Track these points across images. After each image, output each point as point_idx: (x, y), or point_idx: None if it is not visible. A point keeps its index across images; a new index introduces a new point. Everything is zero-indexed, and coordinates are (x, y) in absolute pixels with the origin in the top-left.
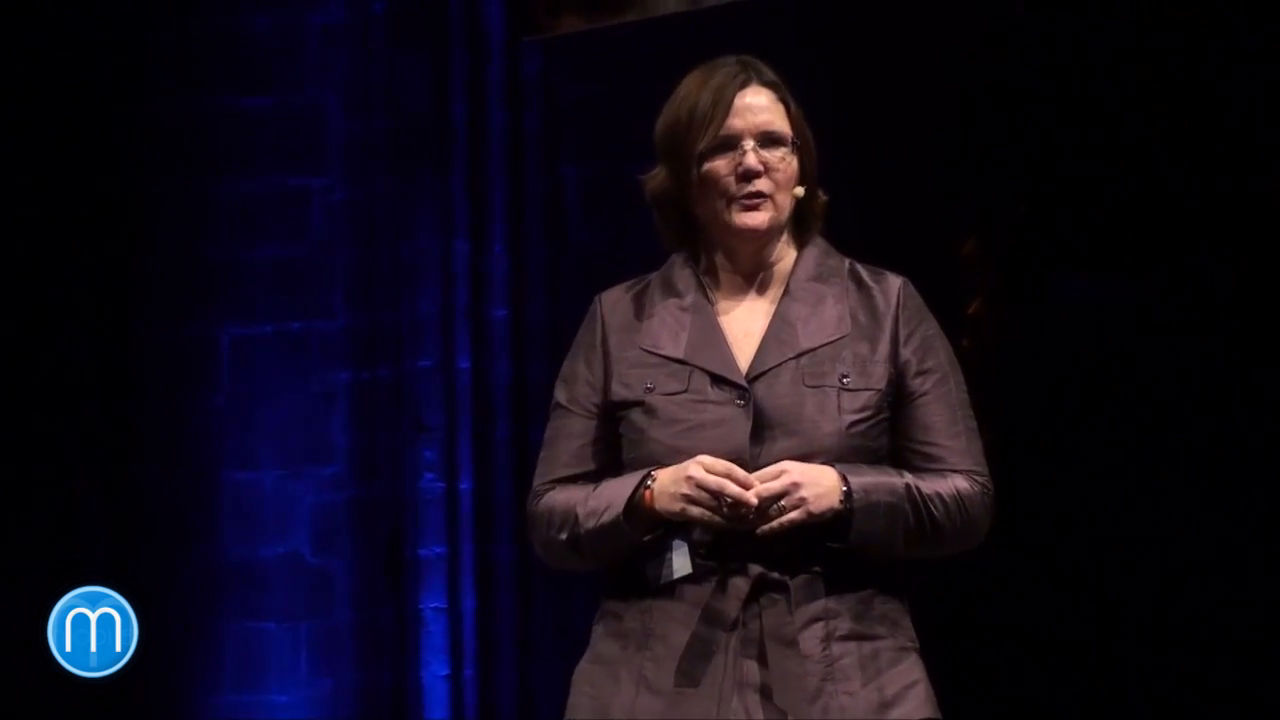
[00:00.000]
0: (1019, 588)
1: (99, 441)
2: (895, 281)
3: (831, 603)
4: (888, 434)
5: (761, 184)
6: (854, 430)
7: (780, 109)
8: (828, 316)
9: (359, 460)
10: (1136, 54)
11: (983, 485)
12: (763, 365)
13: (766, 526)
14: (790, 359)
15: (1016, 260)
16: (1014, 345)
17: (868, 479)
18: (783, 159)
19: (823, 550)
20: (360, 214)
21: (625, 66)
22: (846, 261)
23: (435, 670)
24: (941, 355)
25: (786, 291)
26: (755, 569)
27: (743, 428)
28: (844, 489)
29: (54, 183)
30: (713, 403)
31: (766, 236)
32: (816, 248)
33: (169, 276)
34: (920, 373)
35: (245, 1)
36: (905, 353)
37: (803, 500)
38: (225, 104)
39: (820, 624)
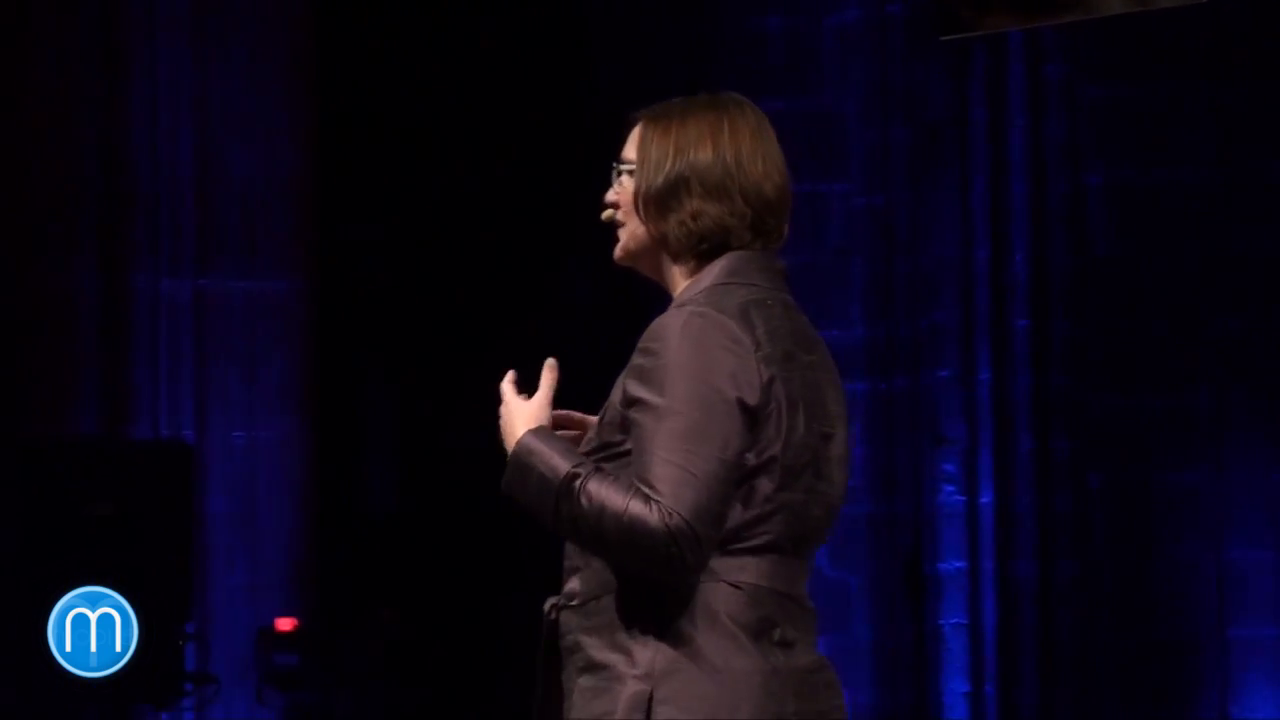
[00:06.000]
0: None
1: None
2: (663, 314)
3: (582, 636)
4: (626, 469)
5: (608, 213)
6: None
7: (637, 136)
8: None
9: (877, 472)
10: None
11: (661, 513)
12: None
13: None
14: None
15: None
16: None
17: (545, 445)
18: (622, 185)
19: (592, 573)
20: (879, 221)
21: (1150, 64)
22: (696, 295)
23: (955, 687)
24: (661, 386)
25: None
26: (551, 600)
27: None
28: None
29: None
30: None
31: (632, 264)
32: (688, 281)
33: None
34: (632, 402)
35: (757, 3)
36: (626, 382)
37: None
38: None
39: (576, 655)
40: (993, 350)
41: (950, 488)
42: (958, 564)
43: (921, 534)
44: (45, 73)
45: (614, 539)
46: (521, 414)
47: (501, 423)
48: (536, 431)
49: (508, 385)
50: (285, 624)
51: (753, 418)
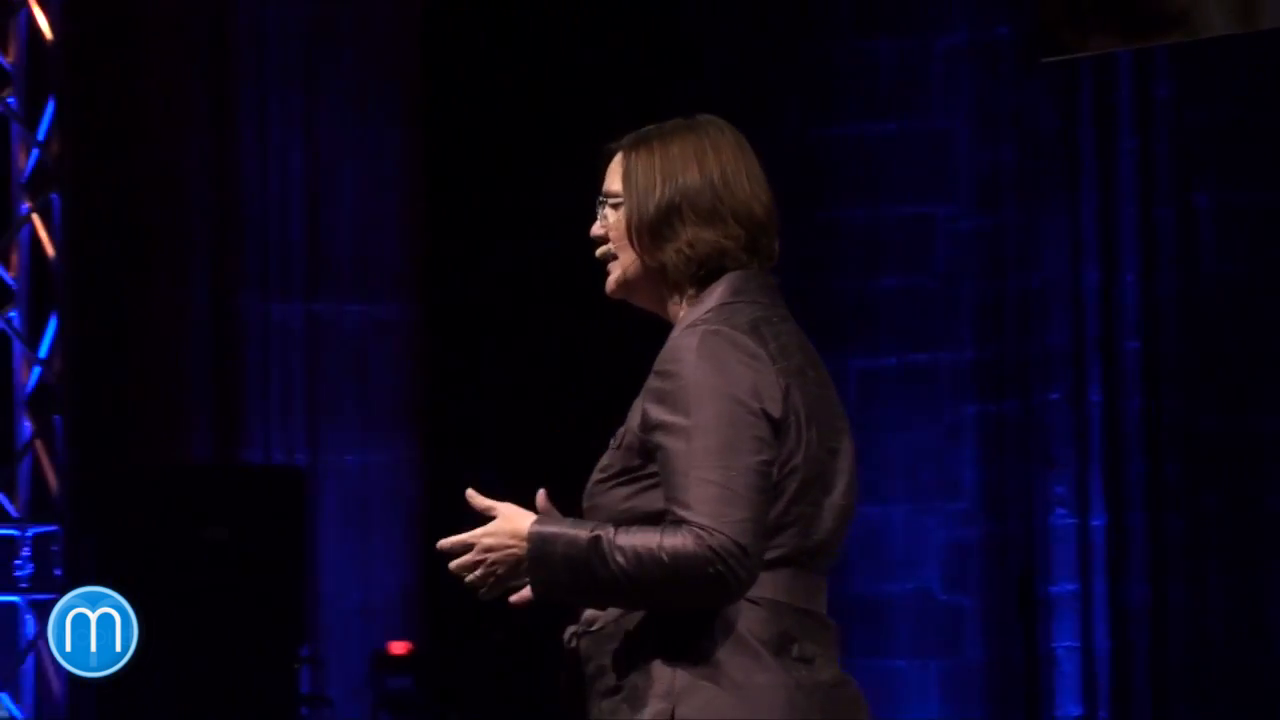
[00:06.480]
0: None
1: None
2: (675, 334)
3: (604, 660)
4: (647, 492)
5: (602, 249)
6: (590, 488)
7: (619, 168)
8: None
9: (988, 495)
10: None
11: (699, 537)
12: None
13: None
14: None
15: None
16: None
17: (555, 527)
18: (608, 219)
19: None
20: (987, 243)
21: (1258, 85)
22: (705, 315)
23: (1068, 711)
24: (686, 407)
25: None
26: (571, 629)
27: None
28: (525, 537)
29: None
30: None
31: (627, 297)
32: (691, 305)
33: (793, 308)
34: (654, 426)
35: (867, 25)
36: (646, 406)
37: (491, 571)
38: (851, 131)
39: (599, 681)
40: (1103, 372)
41: (1062, 510)
42: (1070, 586)
43: (1033, 556)
44: (156, 98)
45: (659, 579)
46: (520, 514)
47: (499, 548)
48: (539, 520)
49: (482, 501)
50: (399, 647)
51: (776, 429)
